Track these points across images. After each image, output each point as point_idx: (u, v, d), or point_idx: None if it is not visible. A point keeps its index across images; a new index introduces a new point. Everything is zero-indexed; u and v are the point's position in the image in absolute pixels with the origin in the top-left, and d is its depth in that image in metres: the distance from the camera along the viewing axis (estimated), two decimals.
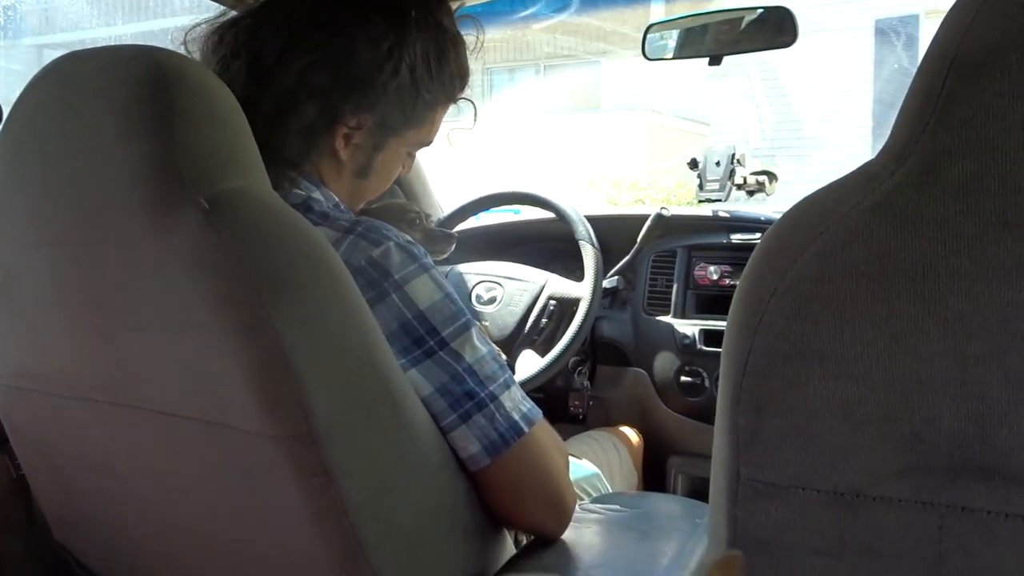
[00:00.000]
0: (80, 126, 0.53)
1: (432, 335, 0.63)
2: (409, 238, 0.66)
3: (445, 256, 1.17)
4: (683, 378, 1.37)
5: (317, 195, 0.70)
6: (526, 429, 0.65)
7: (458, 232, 1.50)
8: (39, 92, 0.57)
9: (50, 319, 0.60)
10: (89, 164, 0.53)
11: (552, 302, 1.28)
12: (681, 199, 5.93)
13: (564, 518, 0.70)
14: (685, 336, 1.36)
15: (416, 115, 0.74)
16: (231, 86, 0.55)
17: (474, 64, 0.79)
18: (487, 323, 1.31)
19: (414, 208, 1.16)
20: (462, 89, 0.77)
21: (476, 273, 1.37)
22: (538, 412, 0.67)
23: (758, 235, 1.38)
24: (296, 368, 0.50)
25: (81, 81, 0.54)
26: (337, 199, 0.72)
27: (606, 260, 1.30)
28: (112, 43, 0.57)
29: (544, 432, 0.68)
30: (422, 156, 1.61)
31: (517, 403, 0.65)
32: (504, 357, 0.72)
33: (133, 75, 0.51)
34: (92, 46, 0.56)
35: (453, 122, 0.82)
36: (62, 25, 8.80)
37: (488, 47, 0.82)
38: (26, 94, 0.57)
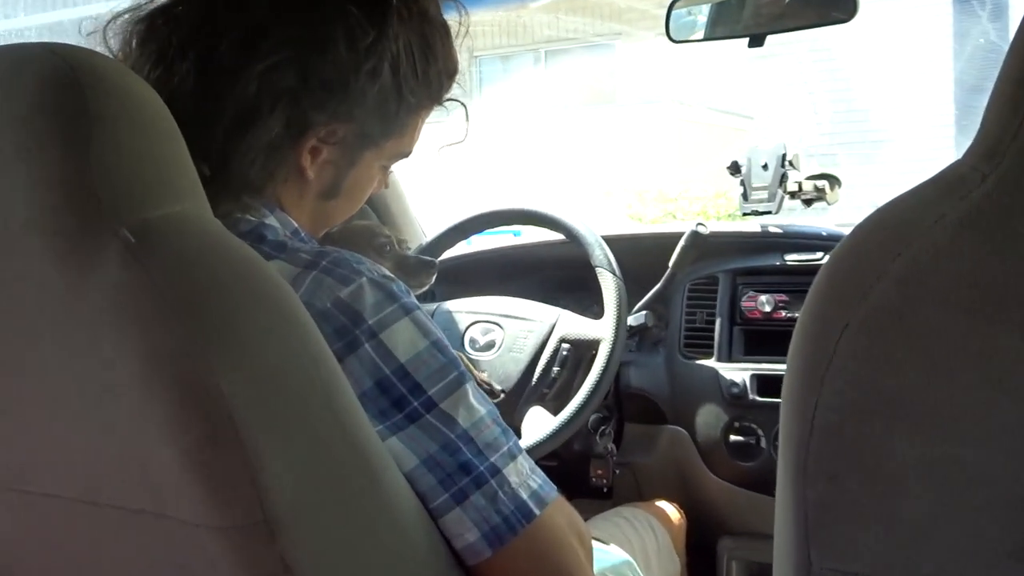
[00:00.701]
0: None
1: (416, 394, 0.63)
2: (387, 272, 0.67)
3: (424, 289, 1.18)
4: (733, 437, 1.37)
5: (272, 221, 0.71)
6: (537, 511, 0.64)
7: (446, 260, 1.52)
8: None
9: None
10: None
11: (565, 346, 1.28)
12: (721, 212, 5.95)
13: None
14: (733, 384, 1.36)
15: (397, 122, 0.75)
16: (176, 92, 0.56)
17: (460, 53, 0.80)
18: (485, 374, 1.31)
19: (384, 232, 1.16)
20: (449, 88, 0.79)
21: (469, 312, 1.37)
22: (552, 489, 0.67)
23: (819, 255, 1.39)
24: (247, 439, 0.49)
25: None
26: (296, 225, 0.73)
27: (631, 291, 1.31)
28: (11, 40, 0.57)
29: (560, 514, 0.67)
30: (399, 168, 1.65)
31: (525, 478, 0.65)
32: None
33: (37, 79, 0.51)
34: None
35: (435, 123, 0.83)
36: None
37: (476, 31, 0.84)
38: None
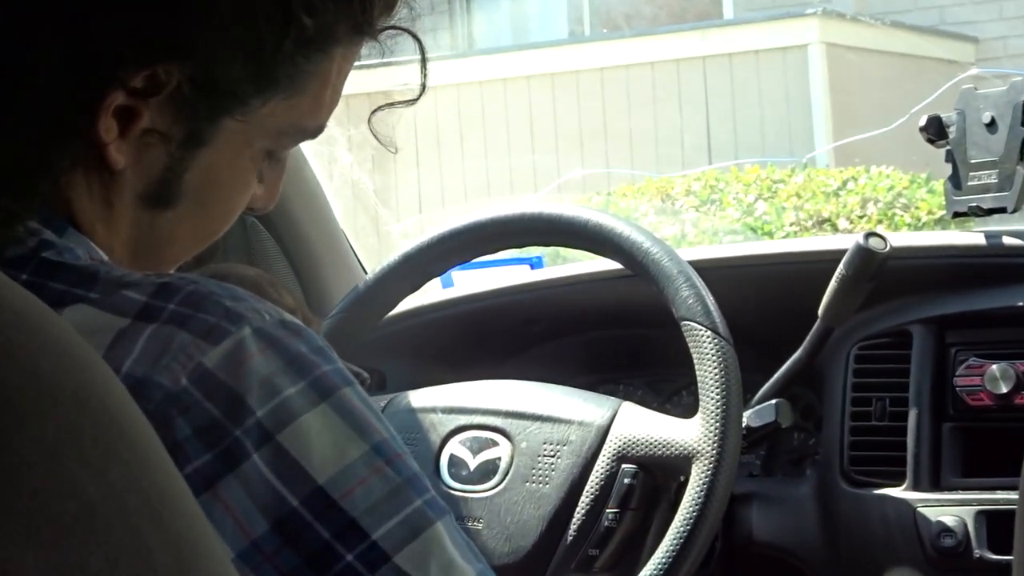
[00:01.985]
0: None
1: (349, 541, 0.63)
2: (286, 316, 0.68)
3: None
4: None
5: (61, 241, 0.71)
6: None
7: (405, 315, 1.54)
8: None
9: None
10: None
11: (628, 468, 1.29)
12: (920, 210, 5.93)
13: None
14: (945, 531, 1.35)
15: (285, 66, 0.76)
16: None
17: None
18: (480, 524, 1.32)
19: (272, 282, 1.18)
20: (389, 8, 0.79)
21: (448, 409, 1.39)
22: None
23: None
24: None
25: None
26: (105, 256, 0.74)
27: (749, 362, 1.31)
28: None
29: None
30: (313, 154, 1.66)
31: None
32: None
33: None
34: None
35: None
36: None
37: None
38: None
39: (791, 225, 5.79)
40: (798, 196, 6.05)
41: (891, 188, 5.98)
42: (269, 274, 1.43)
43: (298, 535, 0.63)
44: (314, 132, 0.81)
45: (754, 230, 5.84)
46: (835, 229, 5.62)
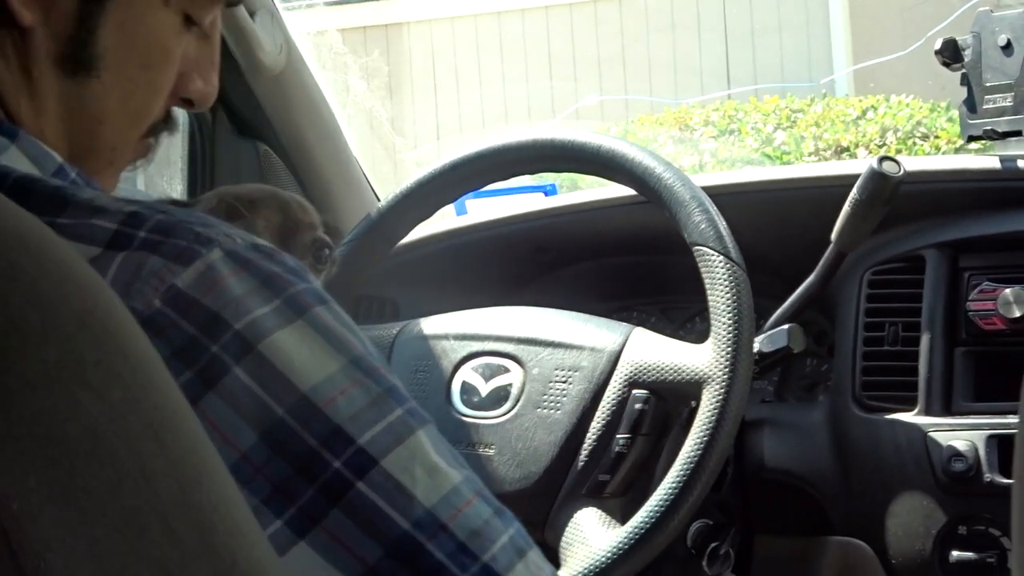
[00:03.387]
0: None
1: (336, 446, 0.64)
2: (258, 240, 0.68)
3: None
4: (956, 554, 1.36)
5: (13, 150, 0.71)
6: None
7: (416, 243, 1.55)
8: None
9: None
10: None
11: (639, 394, 1.29)
12: (940, 138, 5.88)
13: None
14: (956, 455, 1.35)
15: None
16: None
17: None
18: (491, 450, 1.33)
19: (303, 205, 1.19)
20: None
21: (460, 336, 1.39)
22: None
23: None
24: (32, 564, 0.49)
25: None
26: (54, 155, 0.73)
27: (762, 288, 1.31)
28: None
29: None
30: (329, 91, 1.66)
31: None
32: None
33: None
34: None
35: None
36: None
37: None
38: None
39: (810, 155, 5.77)
40: (817, 125, 6.03)
41: (911, 117, 5.95)
42: None
43: (285, 444, 0.63)
44: None
45: (773, 159, 5.82)
46: (855, 157, 5.59)
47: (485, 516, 0.66)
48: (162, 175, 1.59)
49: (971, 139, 1.44)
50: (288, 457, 0.63)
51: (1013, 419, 1.33)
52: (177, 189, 1.72)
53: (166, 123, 0.84)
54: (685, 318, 1.41)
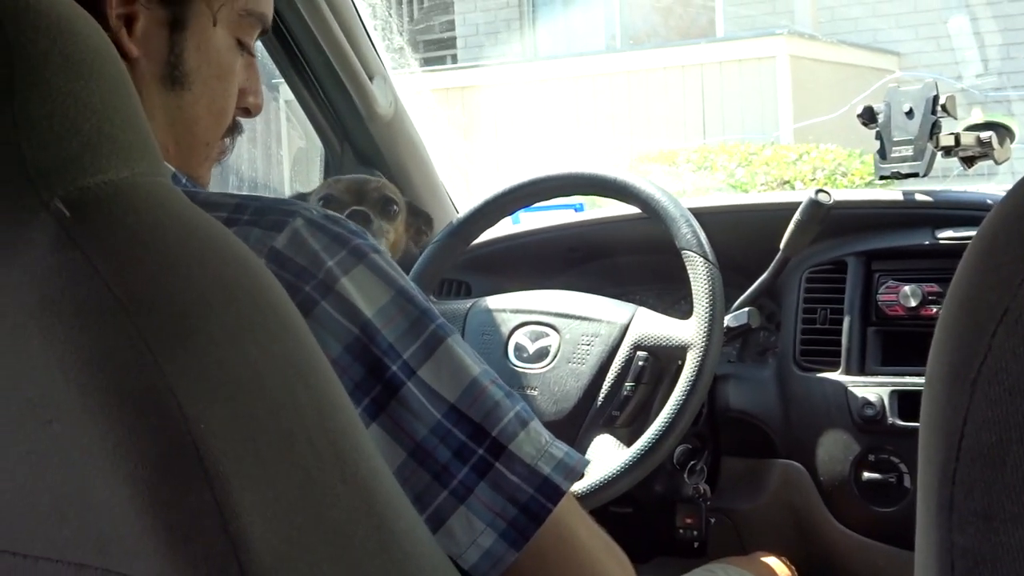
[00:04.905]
0: None
1: (392, 356, 0.65)
2: (328, 211, 0.69)
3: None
4: (866, 475, 1.34)
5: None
6: (565, 486, 0.67)
7: (484, 244, 1.54)
8: None
9: None
10: None
11: (641, 354, 1.28)
12: (854, 176, 5.85)
13: None
14: (867, 403, 1.34)
15: None
16: None
17: None
18: (536, 391, 1.31)
19: (388, 187, 1.22)
20: None
21: (514, 310, 1.38)
22: (580, 457, 0.69)
23: None
24: (216, 474, 0.48)
25: None
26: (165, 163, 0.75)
27: (731, 281, 1.30)
28: None
29: (574, 510, 0.70)
30: (422, 127, 1.67)
31: (544, 446, 0.67)
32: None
33: None
34: None
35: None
36: None
37: None
38: None
39: (761, 186, 5.76)
40: (767, 165, 6.03)
41: (834, 160, 5.95)
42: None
43: (360, 353, 0.64)
44: (261, 19, 0.81)
45: (735, 189, 5.81)
46: (793, 188, 5.58)
47: (497, 398, 0.66)
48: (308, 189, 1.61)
49: (883, 178, 1.43)
50: (362, 362, 0.64)
51: (909, 379, 1.33)
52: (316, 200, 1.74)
53: (235, 128, 0.85)
54: (674, 301, 1.41)
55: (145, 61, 0.74)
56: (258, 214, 0.66)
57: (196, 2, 0.76)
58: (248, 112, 0.85)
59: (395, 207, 1.39)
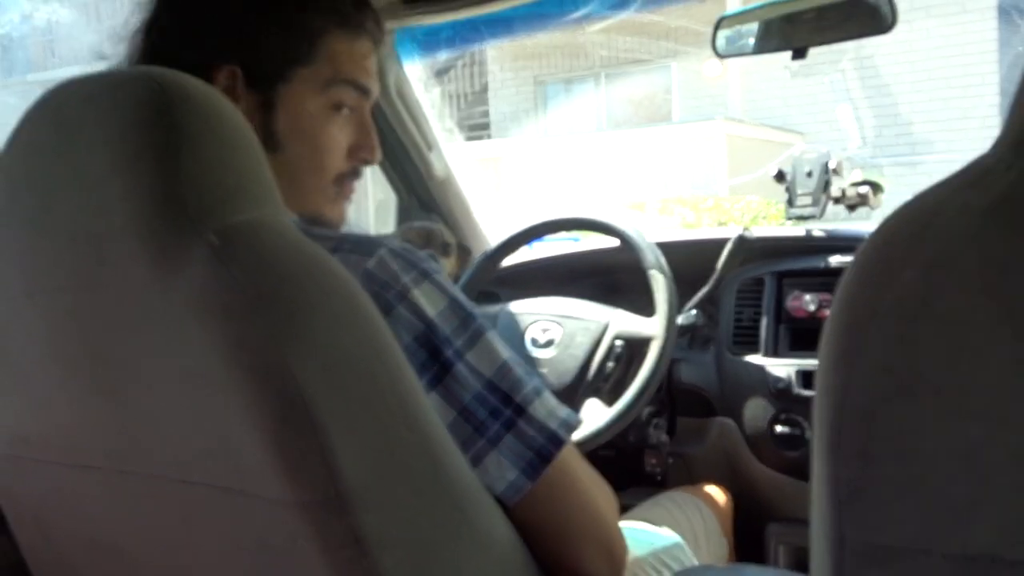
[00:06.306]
0: (74, 160, 0.54)
1: (446, 346, 0.64)
2: (404, 244, 0.67)
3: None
4: (778, 428, 1.34)
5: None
6: (565, 437, 0.67)
7: (509, 266, 1.53)
8: (31, 126, 0.58)
9: (47, 376, 0.60)
10: (84, 201, 0.54)
11: (619, 343, 1.27)
12: (771, 218, 5.81)
13: (615, 565, 0.70)
14: (778, 379, 1.33)
15: (293, 49, 0.71)
16: None
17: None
18: (545, 370, 1.31)
19: (446, 234, 1.18)
20: (364, 6, 0.75)
21: (530, 312, 1.37)
22: (575, 415, 0.69)
23: None
24: (319, 421, 0.49)
25: (74, 109, 0.55)
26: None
27: (682, 292, 1.29)
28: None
29: (573, 454, 0.70)
30: (464, 176, 1.67)
31: (552, 409, 0.67)
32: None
33: (132, 99, 0.52)
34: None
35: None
36: (65, 56, 8.88)
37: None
38: (19, 129, 0.58)
39: (706, 225, 5.72)
40: (710, 211, 5.99)
41: (756, 207, 5.92)
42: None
43: (424, 343, 0.63)
44: (352, 83, 0.74)
45: (687, 227, 5.78)
46: (727, 227, 5.57)
47: (519, 375, 0.65)
48: (387, 228, 1.61)
49: (790, 219, 1.42)
50: (426, 349, 0.63)
51: (810, 360, 1.32)
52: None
53: (355, 173, 0.78)
54: (642, 305, 1.39)
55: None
56: (356, 244, 0.65)
57: (280, 85, 0.71)
58: (366, 162, 0.78)
59: (450, 246, 1.44)
